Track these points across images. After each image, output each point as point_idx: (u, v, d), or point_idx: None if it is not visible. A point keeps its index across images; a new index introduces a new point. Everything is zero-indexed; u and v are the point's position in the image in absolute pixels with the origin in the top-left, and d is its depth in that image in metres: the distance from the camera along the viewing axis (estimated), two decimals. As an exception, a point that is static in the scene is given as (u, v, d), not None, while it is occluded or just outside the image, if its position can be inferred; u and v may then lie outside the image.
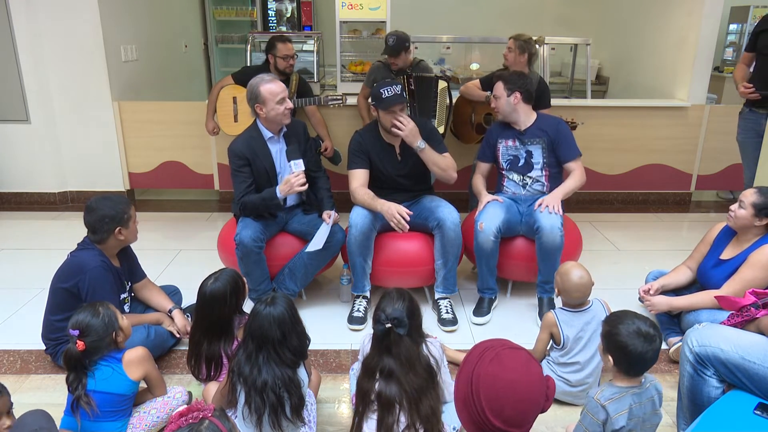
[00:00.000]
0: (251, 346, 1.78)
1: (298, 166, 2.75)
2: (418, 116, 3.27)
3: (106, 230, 2.32)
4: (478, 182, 3.15)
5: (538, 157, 3.01)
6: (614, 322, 1.72)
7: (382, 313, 1.77)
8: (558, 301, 2.37)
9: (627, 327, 1.68)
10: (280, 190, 2.74)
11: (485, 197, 3.01)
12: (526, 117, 3.01)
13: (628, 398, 1.70)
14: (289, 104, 2.79)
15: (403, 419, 1.70)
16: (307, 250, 2.81)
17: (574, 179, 2.99)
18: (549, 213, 2.77)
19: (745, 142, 3.57)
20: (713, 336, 1.85)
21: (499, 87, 3.00)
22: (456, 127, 4.11)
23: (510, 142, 3.05)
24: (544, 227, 2.72)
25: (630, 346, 1.66)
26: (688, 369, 1.87)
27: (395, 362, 1.72)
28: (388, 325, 1.73)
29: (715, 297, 2.38)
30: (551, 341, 2.26)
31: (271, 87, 2.72)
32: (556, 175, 3.04)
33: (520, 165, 3.05)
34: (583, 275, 2.18)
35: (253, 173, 2.83)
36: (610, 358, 1.74)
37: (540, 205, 2.82)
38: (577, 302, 2.21)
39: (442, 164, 2.88)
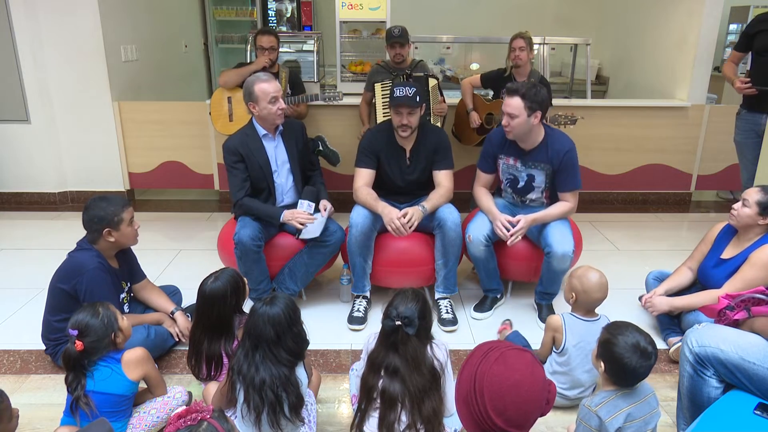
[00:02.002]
0: (248, 344, 1.79)
1: (310, 207, 2.79)
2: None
3: (95, 230, 2.32)
4: (484, 199, 2.90)
5: (539, 182, 2.82)
6: (614, 332, 1.72)
7: (394, 310, 1.77)
8: (564, 308, 2.35)
9: (626, 339, 1.68)
10: (284, 216, 2.77)
11: (498, 216, 2.78)
12: (536, 136, 2.73)
13: (620, 401, 1.70)
14: (282, 104, 2.80)
15: (404, 418, 1.70)
16: (300, 236, 2.80)
17: (559, 209, 2.78)
18: (560, 238, 2.66)
19: (744, 143, 3.55)
20: (713, 336, 1.84)
21: (517, 103, 2.59)
22: (457, 128, 4.11)
23: (511, 161, 2.84)
24: (555, 253, 2.65)
25: (625, 359, 1.66)
26: (687, 369, 1.87)
27: (401, 360, 1.73)
28: (398, 323, 1.73)
29: (699, 310, 2.39)
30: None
31: (264, 86, 2.76)
32: (556, 197, 2.85)
33: (519, 187, 2.88)
34: (602, 275, 2.16)
35: (248, 170, 2.85)
36: (602, 364, 1.74)
37: (509, 232, 2.69)
38: (596, 304, 2.16)
39: (443, 201, 2.84)
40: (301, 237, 2.80)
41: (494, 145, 2.89)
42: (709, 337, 1.84)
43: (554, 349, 2.21)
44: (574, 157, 2.75)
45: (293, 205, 3.00)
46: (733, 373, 1.78)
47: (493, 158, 2.92)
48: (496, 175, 2.99)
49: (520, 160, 2.82)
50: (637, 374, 1.68)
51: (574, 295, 2.18)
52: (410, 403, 1.70)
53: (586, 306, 2.18)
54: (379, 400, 1.74)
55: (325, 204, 2.86)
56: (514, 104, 2.61)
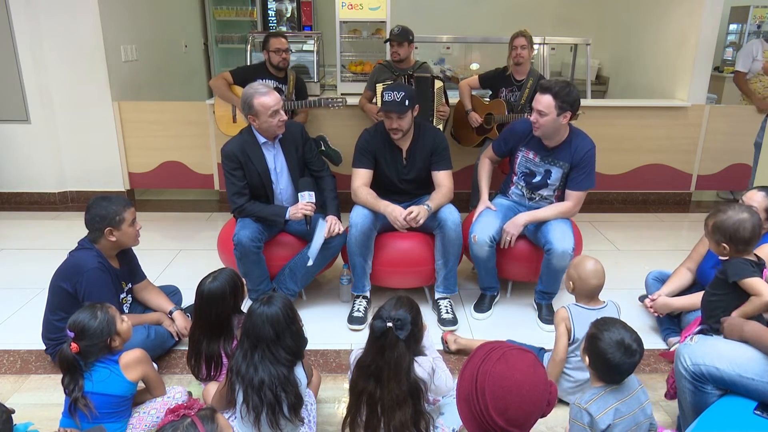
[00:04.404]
0: (246, 344, 1.78)
1: (311, 197, 2.80)
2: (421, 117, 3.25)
3: (97, 229, 2.32)
4: (484, 172, 3.03)
5: (555, 180, 2.83)
6: (600, 327, 1.73)
7: (386, 312, 1.75)
8: (569, 299, 2.35)
9: (611, 335, 1.69)
10: (290, 212, 2.77)
11: (482, 203, 2.96)
12: (561, 135, 2.76)
13: (609, 396, 1.71)
14: (283, 116, 2.76)
15: (382, 425, 1.70)
16: (308, 264, 2.80)
17: (557, 209, 2.80)
18: (560, 236, 2.68)
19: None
20: (707, 354, 1.82)
21: (548, 101, 2.59)
22: (456, 130, 4.11)
23: (531, 155, 2.85)
24: (555, 250, 2.66)
25: (608, 355, 1.67)
26: (687, 386, 1.85)
27: (384, 365, 1.70)
28: (389, 324, 1.71)
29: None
30: None
31: (264, 100, 2.68)
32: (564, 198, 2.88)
33: (534, 181, 2.89)
34: (597, 262, 2.19)
35: (246, 176, 2.83)
36: (587, 358, 1.76)
37: (504, 236, 2.78)
38: (594, 291, 2.18)
39: (444, 202, 2.86)
40: (308, 265, 2.79)
41: (517, 136, 2.89)
42: (703, 355, 1.82)
43: None
44: (593, 158, 2.78)
45: None
46: (732, 388, 1.78)
47: (511, 148, 2.94)
48: (510, 164, 3.00)
49: (539, 156, 2.83)
50: (620, 371, 1.69)
51: (572, 283, 2.22)
52: (382, 409, 1.69)
53: (584, 293, 2.20)
54: (365, 405, 1.73)
55: (330, 222, 2.81)
56: (545, 102, 2.61)
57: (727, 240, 1.98)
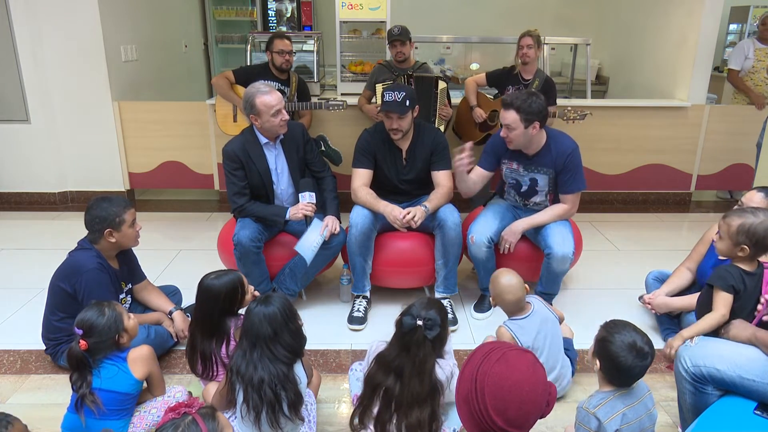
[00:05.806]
0: (245, 343, 1.79)
1: (312, 197, 2.80)
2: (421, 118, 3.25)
3: (97, 230, 2.32)
4: (481, 178, 2.91)
5: (543, 185, 2.82)
6: (611, 330, 1.71)
7: (416, 309, 1.77)
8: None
9: (622, 338, 1.67)
10: (290, 213, 2.78)
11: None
12: (538, 142, 2.73)
13: (617, 401, 1.70)
14: (285, 116, 2.77)
15: (395, 420, 1.71)
16: (304, 260, 2.79)
17: (554, 212, 2.79)
18: (560, 240, 2.67)
19: None
20: (707, 355, 1.82)
21: (512, 117, 2.60)
22: (458, 126, 4.12)
23: (514, 165, 2.84)
24: (555, 255, 2.66)
25: (620, 358, 1.65)
26: (687, 387, 1.86)
27: (408, 362, 1.71)
28: (419, 322, 1.72)
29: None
30: None
31: (266, 99, 2.69)
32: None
33: (522, 191, 2.89)
34: (512, 277, 2.18)
35: (247, 176, 2.83)
36: (597, 362, 1.74)
37: (503, 243, 2.80)
38: (512, 306, 2.18)
39: (443, 202, 2.86)
40: (296, 248, 2.77)
41: (497, 149, 2.88)
42: (704, 357, 1.82)
43: None
44: (577, 159, 2.75)
45: None
46: (732, 389, 1.78)
47: (497, 159, 2.91)
48: (499, 176, 2.99)
49: (522, 165, 2.82)
50: (632, 374, 1.67)
51: (492, 297, 2.23)
52: (398, 406, 1.70)
53: (505, 307, 2.20)
54: (379, 398, 1.73)
55: (327, 222, 2.81)
56: (510, 117, 2.62)
57: (752, 243, 1.95)
